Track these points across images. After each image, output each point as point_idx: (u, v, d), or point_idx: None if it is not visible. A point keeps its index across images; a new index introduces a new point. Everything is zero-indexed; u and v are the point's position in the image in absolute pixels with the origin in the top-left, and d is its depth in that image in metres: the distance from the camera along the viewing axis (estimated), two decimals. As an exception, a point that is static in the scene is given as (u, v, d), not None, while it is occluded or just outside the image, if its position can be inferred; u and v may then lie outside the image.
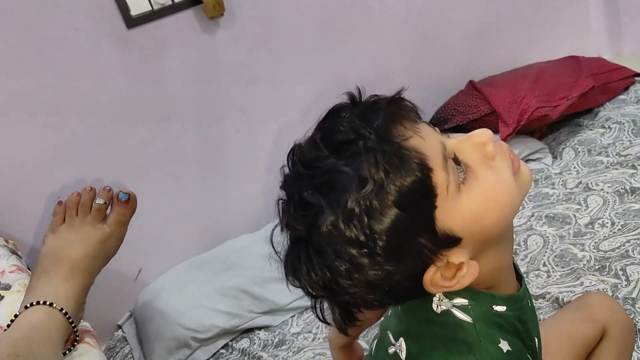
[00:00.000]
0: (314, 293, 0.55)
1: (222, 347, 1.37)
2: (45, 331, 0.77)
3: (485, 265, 0.56)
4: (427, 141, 0.52)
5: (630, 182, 1.43)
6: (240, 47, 1.56)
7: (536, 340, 0.65)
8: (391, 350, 0.63)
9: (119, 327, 1.57)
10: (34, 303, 0.79)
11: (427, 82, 1.89)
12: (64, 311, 0.80)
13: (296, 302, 1.41)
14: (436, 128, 0.57)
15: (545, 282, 1.22)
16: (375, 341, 0.70)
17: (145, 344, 1.40)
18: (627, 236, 1.26)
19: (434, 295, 0.58)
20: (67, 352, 0.81)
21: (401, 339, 0.62)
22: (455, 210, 0.52)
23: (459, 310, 0.58)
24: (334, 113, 0.56)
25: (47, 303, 0.79)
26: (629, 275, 1.14)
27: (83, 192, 0.89)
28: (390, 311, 0.68)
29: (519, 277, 0.65)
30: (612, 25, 2.17)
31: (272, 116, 1.66)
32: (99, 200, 0.89)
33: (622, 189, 1.42)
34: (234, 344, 1.36)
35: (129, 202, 0.90)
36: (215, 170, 1.63)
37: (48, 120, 1.37)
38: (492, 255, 0.57)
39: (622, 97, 1.86)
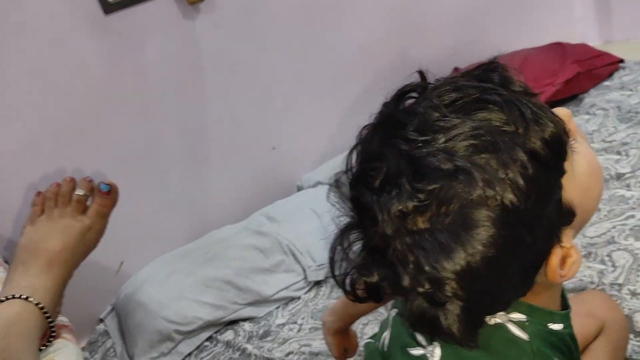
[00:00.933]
0: (437, 291, 0.45)
1: (206, 340, 1.35)
2: (21, 326, 0.75)
3: None
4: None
5: (616, 168, 1.43)
6: (221, 33, 1.52)
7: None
8: (416, 352, 0.58)
9: (101, 320, 1.54)
10: (10, 297, 0.77)
11: (413, 69, 1.87)
12: (40, 305, 0.77)
13: (281, 293, 1.39)
14: None
15: (532, 269, 1.21)
16: (390, 334, 0.65)
17: (127, 338, 1.37)
18: (612, 222, 1.26)
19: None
20: (43, 347, 0.78)
21: (436, 344, 0.56)
22: (574, 180, 0.49)
23: (515, 325, 0.53)
24: (435, 86, 0.50)
25: (23, 297, 0.77)
26: (614, 261, 1.14)
27: (63, 183, 0.87)
28: None
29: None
30: (600, 12, 2.18)
31: (255, 104, 1.63)
32: (79, 191, 0.86)
33: (607, 175, 1.42)
34: (218, 336, 1.34)
35: (111, 193, 0.87)
36: (198, 160, 1.60)
37: (25, 109, 1.34)
38: None
39: (606, 83, 1.86)
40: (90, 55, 1.37)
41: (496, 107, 0.46)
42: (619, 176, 1.40)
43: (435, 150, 0.45)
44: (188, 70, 1.51)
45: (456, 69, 1.88)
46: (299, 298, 1.40)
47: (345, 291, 0.52)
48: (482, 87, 0.48)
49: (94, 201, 0.86)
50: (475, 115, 0.46)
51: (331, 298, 1.36)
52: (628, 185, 1.36)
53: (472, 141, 0.45)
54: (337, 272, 0.51)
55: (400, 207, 0.45)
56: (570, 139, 0.49)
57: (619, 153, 1.49)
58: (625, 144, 1.51)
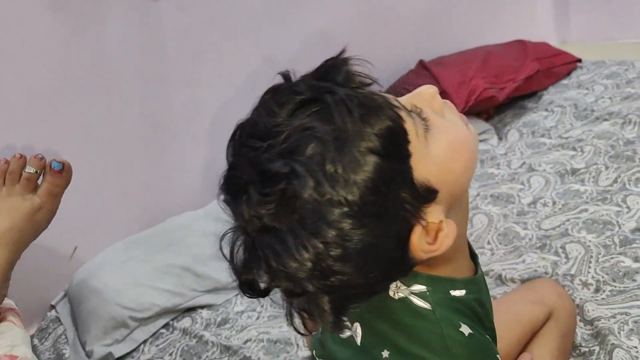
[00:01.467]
0: (293, 285, 0.49)
1: (163, 327, 1.32)
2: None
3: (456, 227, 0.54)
4: (384, 91, 0.52)
5: (571, 164, 1.47)
6: (186, 17, 1.49)
7: (492, 315, 0.65)
8: (344, 335, 0.61)
9: (53, 307, 1.49)
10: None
11: (378, 61, 1.86)
12: (-16, 287, 0.74)
13: (241, 281, 1.38)
14: None
15: (489, 259, 1.24)
16: None
17: (80, 325, 1.33)
18: (567, 215, 1.29)
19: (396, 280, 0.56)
20: (-12, 330, 0.75)
21: (356, 324, 0.60)
22: (428, 159, 0.51)
23: (417, 297, 0.56)
24: (274, 90, 0.53)
25: (-34, 278, 0.73)
26: (568, 252, 1.17)
27: (12, 160, 0.82)
28: None
29: (473, 257, 0.64)
30: (560, 13, 2.23)
31: (219, 89, 1.60)
32: (29, 169, 0.82)
33: (563, 169, 1.46)
34: (175, 323, 1.32)
35: (63, 172, 0.83)
36: (159, 145, 1.57)
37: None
38: (459, 217, 0.56)
39: (564, 81, 1.91)
40: (47, 33, 1.31)
41: (327, 108, 0.48)
42: (574, 171, 1.44)
43: (274, 155, 0.48)
44: (151, 53, 1.47)
45: (421, 62, 1.89)
46: (258, 286, 1.39)
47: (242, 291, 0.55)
48: (317, 87, 0.50)
49: (45, 180, 0.82)
50: (309, 117, 0.48)
51: (291, 286, 1.35)
52: (582, 180, 1.40)
53: (306, 143, 0.47)
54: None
55: (251, 212, 0.48)
56: (424, 120, 0.52)
57: (574, 149, 1.53)
58: (580, 140, 1.56)
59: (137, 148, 1.54)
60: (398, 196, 0.49)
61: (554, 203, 1.35)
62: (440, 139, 0.52)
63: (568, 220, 1.27)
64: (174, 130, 1.57)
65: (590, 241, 1.18)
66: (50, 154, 0.88)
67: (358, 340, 0.60)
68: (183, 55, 1.52)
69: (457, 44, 1.98)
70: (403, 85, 1.84)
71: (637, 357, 0.89)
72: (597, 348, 0.94)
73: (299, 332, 0.56)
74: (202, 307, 1.35)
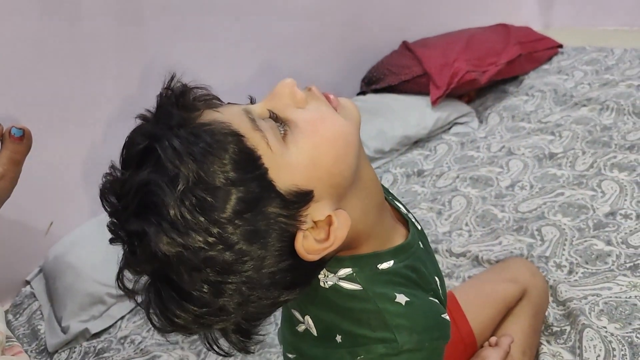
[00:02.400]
0: (199, 328, 0.50)
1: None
2: None
3: (353, 212, 0.53)
4: (223, 112, 0.50)
5: (549, 148, 1.49)
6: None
7: (436, 279, 0.65)
8: (300, 328, 0.62)
9: (27, 282, 1.47)
10: None
11: (362, 41, 1.87)
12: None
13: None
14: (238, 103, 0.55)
15: (466, 241, 1.25)
16: (281, 316, 0.69)
17: (55, 301, 1.32)
18: (543, 198, 1.31)
19: (319, 274, 0.56)
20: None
21: (307, 317, 0.60)
22: (289, 164, 0.49)
23: (346, 280, 0.56)
24: (124, 144, 0.52)
25: None
26: (543, 235, 1.19)
27: None
28: None
29: (407, 221, 0.64)
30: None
31: (199, 63, 1.57)
32: None
33: (541, 154, 1.48)
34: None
35: (24, 138, 0.80)
36: (135, 118, 1.54)
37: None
38: (355, 201, 0.54)
39: (545, 66, 1.92)
40: (23, 2, 1.27)
41: (165, 157, 0.47)
42: (552, 156, 1.46)
43: (129, 215, 0.48)
44: (129, 23, 1.43)
45: (404, 43, 1.88)
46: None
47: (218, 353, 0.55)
48: (151, 134, 0.49)
49: (5, 147, 0.79)
50: (148, 170, 0.47)
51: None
52: (559, 165, 1.42)
53: (151, 198, 0.46)
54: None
55: (131, 270, 0.51)
56: (282, 123, 0.50)
57: (552, 134, 1.55)
58: (559, 125, 1.58)
59: (114, 121, 1.51)
60: (267, 214, 0.48)
61: (532, 187, 1.37)
62: (301, 138, 0.50)
63: (545, 203, 1.29)
64: (149, 105, 1.54)
65: (565, 224, 1.20)
66: (9, 121, 0.86)
67: (314, 331, 0.60)
68: (161, 27, 1.48)
69: (441, 26, 1.98)
70: (386, 67, 1.83)
71: (606, 337, 0.92)
72: (568, 328, 0.97)
73: (225, 354, 0.56)
74: (180, 284, 1.35)
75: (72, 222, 1.47)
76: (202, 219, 0.45)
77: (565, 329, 0.97)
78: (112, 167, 0.51)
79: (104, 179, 0.51)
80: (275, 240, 0.48)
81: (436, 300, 0.61)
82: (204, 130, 0.47)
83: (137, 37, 1.46)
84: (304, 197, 0.50)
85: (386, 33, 1.90)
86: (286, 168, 0.49)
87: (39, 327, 1.32)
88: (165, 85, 0.52)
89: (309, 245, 0.50)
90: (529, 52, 1.87)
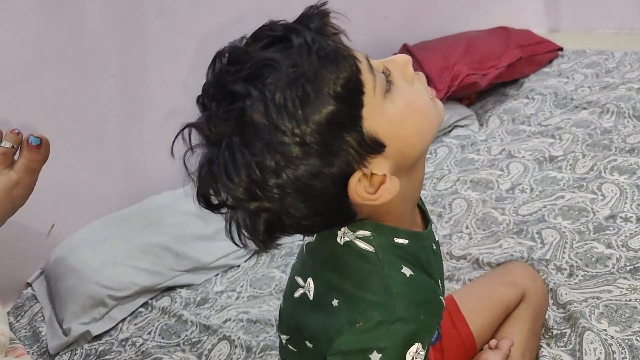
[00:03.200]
0: (234, 202, 0.54)
1: (141, 306, 1.32)
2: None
3: (400, 187, 0.57)
4: (353, 46, 0.55)
5: (549, 151, 1.50)
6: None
7: (439, 281, 0.67)
8: (298, 293, 0.65)
9: (29, 284, 1.47)
10: None
11: (363, 43, 1.87)
12: (-40, 264, 0.72)
13: (220, 261, 1.38)
14: None
15: (467, 243, 1.26)
16: (283, 294, 0.72)
17: (57, 303, 1.32)
18: (544, 202, 1.31)
19: (339, 230, 0.60)
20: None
21: (309, 280, 0.64)
22: (381, 114, 0.55)
23: (362, 240, 0.60)
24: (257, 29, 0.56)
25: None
26: (543, 238, 1.20)
27: None
28: (296, 260, 0.70)
29: (427, 222, 0.69)
30: (547, 1, 2.24)
31: (199, 65, 1.58)
32: (6, 144, 0.80)
33: (541, 157, 1.48)
34: (154, 303, 1.32)
35: (41, 147, 0.81)
36: (138, 122, 1.54)
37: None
38: (406, 181, 0.59)
39: (545, 69, 1.93)
40: (25, 6, 1.28)
41: (292, 46, 0.52)
42: (552, 159, 1.46)
43: (238, 78, 0.52)
44: (130, 27, 1.44)
45: (404, 46, 1.89)
46: (238, 266, 1.39)
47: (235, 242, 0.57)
48: (290, 27, 0.54)
49: (22, 155, 0.80)
50: (275, 51, 0.53)
51: (270, 267, 1.36)
52: (560, 168, 1.42)
53: (267, 73, 0.51)
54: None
55: (211, 127, 0.53)
56: (389, 82, 0.56)
57: (553, 137, 1.56)
58: (559, 128, 1.58)
59: (115, 124, 1.51)
60: (344, 139, 0.53)
61: (532, 189, 1.37)
62: (399, 100, 0.56)
63: (545, 206, 1.30)
64: (153, 108, 1.55)
65: (565, 227, 1.21)
66: (27, 129, 0.87)
67: (311, 295, 0.63)
68: (163, 30, 1.49)
69: (441, 29, 1.98)
70: (386, 69, 1.84)
71: (606, 340, 0.92)
72: (568, 331, 0.97)
73: (235, 244, 0.58)
74: (181, 286, 1.35)
75: (74, 224, 1.47)
76: (299, 111, 0.50)
77: (566, 332, 0.97)
78: (244, 37, 0.56)
79: (229, 43, 0.55)
80: (337, 165, 0.53)
81: (437, 285, 0.64)
82: (335, 45, 0.53)
83: (138, 40, 1.47)
84: (377, 147, 0.55)
85: (386, 36, 1.90)
86: (377, 116, 0.54)
87: (40, 329, 1.32)
88: (309, 7, 0.57)
89: (360, 189, 0.55)
90: (529, 55, 1.87)
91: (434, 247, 0.68)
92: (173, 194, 1.52)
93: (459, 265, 1.20)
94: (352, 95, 0.53)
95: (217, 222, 1.42)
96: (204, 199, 0.56)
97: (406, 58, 0.59)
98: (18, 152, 0.81)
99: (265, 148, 0.51)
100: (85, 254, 1.35)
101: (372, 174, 0.55)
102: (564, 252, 1.14)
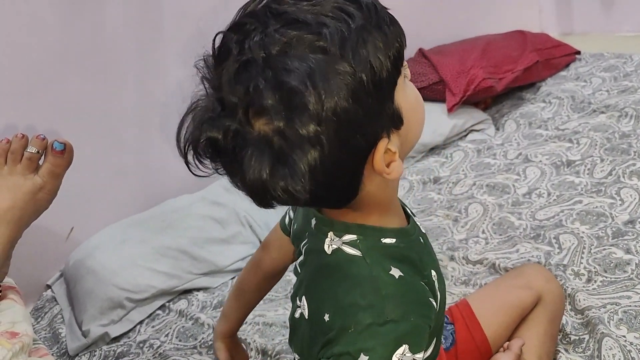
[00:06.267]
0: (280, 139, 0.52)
1: (159, 308, 1.33)
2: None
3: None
4: None
5: (567, 155, 1.49)
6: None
7: (433, 272, 0.67)
8: (297, 313, 0.66)
9: (49, 287, 1.49)
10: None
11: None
12: (-15, 264, 0.74)
13: (237, 264, 1.39)
14: None
15: (483, 248, 1.25)
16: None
17: (76, 305, 1.34)
18: (561, 206, 1.31)
19: (326, 237, 0.61)
20: (-12, 308, 0.76)
21: (303, 298, 0.65)
22: (404, 95, 0.57)
23: (348, 245, 0.61)
24: None
25: (-33, 255, 0.74)
26: (561, 243, 1.19)
27: (14, 139, 0.83)
28: (296, 280, 0.70)
29: (408, 217, 0.69)
30: (562, 4, 2.23)
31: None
32: (31, 149, 0.82)
33: (559, 161, 1.47)
34: (171, 305, 1.33)
35: (65, 152, 0.84)
36: (156, 126, 1.56)
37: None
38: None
39: (562, 73, 1.92)
40: (44, 9, 1.30)
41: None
42: (569, 163, 1.45)
43: (304, 10, 0.52)
44: (150, 31, 1.46)
45: (420, 50, 1.89)
46: (254, 270, 1.40)
47: (183, 153, 0.56)
48: None
49: (47, 160, 0.83)
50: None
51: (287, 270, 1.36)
52: (577, 172, 1.41)
53: (337, 17, 0.52)
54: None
55: (260, 42, 0.52)
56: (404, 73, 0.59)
57: (570, 141, 1.54)
58: (576, 132, 1.57)
59: (134, 128, 1.53)
60: (386, 101, 0.55)
61: (549, 194, 1.36)
62: (412, 89, 0.60)
63: (562, 211, 1.29)
64: (171, 111, 1.56)
65: (583, 232, 1.20)
66: (51, 134, 0.89)
67: (306, 313, 0.64)
68: (181, 35, 1.51)
69: (457, 33, 1.98)
70: (402, 73, 1.84)
71: (625, 346, 0.91)
72: (587, 337, 0.96)
73: (193, 173, 0.58)
74: (198, 289, 1.37)
75: (93, 227, 1.49)
76: (363, 50, 0.52)
77: (584, 338, 0.96)
78: None
79: None
80: (378, 122, 0.55)
81: (426, 287, 0.64)
82: (392, 16, 0.57)
83: (157, 45, 1.49)
84: (399, 122, 0.57)
85: (402, 40, 1.90)
86: (401, 95, 0.57)
87: (59, 330, 1.34)
88: None
89: (379, 158, 0.56)
90: (546, 58, 1.86)
91: (422, 240, 0.69)
92: (190, 197, 1.54)
93: (475, 270, 1.19)
94: (398, 62, 0.55)
95: (233, 225, 1.44)
96: (210, 145, 0.54)
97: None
98: (43, 157, 0.83)
99: (344, 91, 0.51)
100: (104, 256, 1.36)
101: (387, 149, 0.56)
102: (582, 258, 1.13)
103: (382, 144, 0.55)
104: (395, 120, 0.56)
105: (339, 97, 0.51)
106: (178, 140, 0.56)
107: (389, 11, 0.57)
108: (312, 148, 0.51)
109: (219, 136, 0.53)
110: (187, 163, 0.57)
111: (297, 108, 0.50)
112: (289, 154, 0.51)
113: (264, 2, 0.55)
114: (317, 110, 0.50)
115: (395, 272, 0.60)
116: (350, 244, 0.61)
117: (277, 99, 0.50)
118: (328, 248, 0.61)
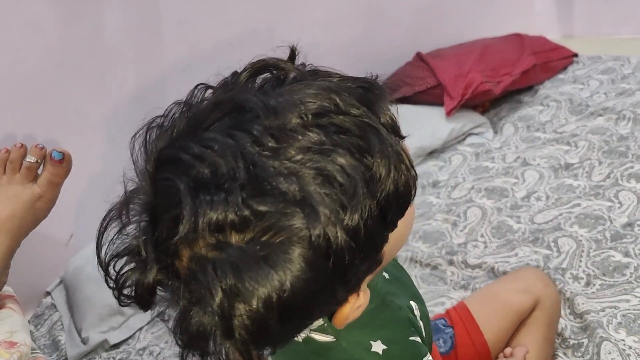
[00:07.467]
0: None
1: (158, 315, 1.33)
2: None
3: None
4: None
5: (565, 158, 1.49)
6: (184, 3, 1.48)
7: (412, 304, 0.62)
8: None
9: (48, 293, 1.50)
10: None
11: (375, 52, 1.88)
12: (-17, 274, 0.75)
13: (236, 270, 1.39)
14: None
15: (482, 252, 1.25)
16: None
17: (75, 311, 1.34)
18: (560, 209, 1.31)
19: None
20: (-13, 317, 0.76)
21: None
22: (394, 233, 0.46)
23: (317, 332, 0.54)
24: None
25: (-34, 265, 0.74)
26: (560, 246, 1.19)
27: (12, 149, 0.83)
28: None
29: None
30: (560, 7, 2.23)
31: (216, 78, 1.60)
32: (30, 158, 0.83)
33: (557, 164, 1.47)
34: (171, 312, 1.33)
35: (63, 162, 0.84)
36: (155, 133, 1.56)
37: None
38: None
39: (560, 76, 1.92)
40: (44, 16, 1.31)
41: (371, 149, 0.41)
42: (568, 166, 1.45)
43: (284, 169, 0.39)
44: (149, 38, 1.46)
45: (418, 54, 1.89)
46: (253, 275, 1.40)
47: (107, 283, 0.45)
48: (362, 112, 0.42)
49: (46, 169, 0.83)
50: (341, 139, 0.41)
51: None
52: (575, 175, 1.41)
53: (326, 173, 0.39)
54: (103, 254, 0.44)
55: (217, 217, 0.39)
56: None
57: (568, 144, 1.55)
58: (574, 135, 1.57)
59: (132, 135, 1.53)
60: (365, 264, 0.44)
61: (547, 197, 1.36)
62: (408, 214, 0.47)
63: (561, 214, 1.29)
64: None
65: (582, 235, 1.20)
66: (50, 143, 0.89)
67: None
68: (180, 42, 1.51)
69: (455, 36, 1.98)
70: (400, 77, 1.84)
71: (624, 350, 0.91)
72: (585, 341, 0.96)
73: (117, 294, 0.46)
74: (197, 295, 1.36)
75: (92, 234, 1.48)
76: (355, 227, 0.40)
77: (583, 342, 0.96)
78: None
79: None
80: (345, 291, 0.44)
81: (418, 340, 0.57)
82: (400, 151, 0.45)
83: (156, 51, 1.49)
84: (377, 266, 0.46)
85: (400, 44, 1.91)
86: (392, 236, 0.46)
87: (59, 337, 1.34)
88: None
89: (347, 312, 0.46)
90: (543, 61, 1.86)
91: (387, 276, 0.61)
92: (189, 203, 1.54)
93: (474, 274, 1.19)
94: (398, 216, 0.45)
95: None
96: (147, 292, 0.43)
97: None
98: (41, 166, 0.83)
99: (306, 266, 0.40)
100: (104, 263, 1.36)
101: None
102: (580, 261, 1.13)
103: (349, 304, 0.46)
104: (374, 269, 0.46)
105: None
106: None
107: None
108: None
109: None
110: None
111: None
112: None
113: (229, 124, 0.43)
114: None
115: (378, 347, 0.53)
116: (319, 330, 0.53)
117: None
118: (297, 336, 0.53)
